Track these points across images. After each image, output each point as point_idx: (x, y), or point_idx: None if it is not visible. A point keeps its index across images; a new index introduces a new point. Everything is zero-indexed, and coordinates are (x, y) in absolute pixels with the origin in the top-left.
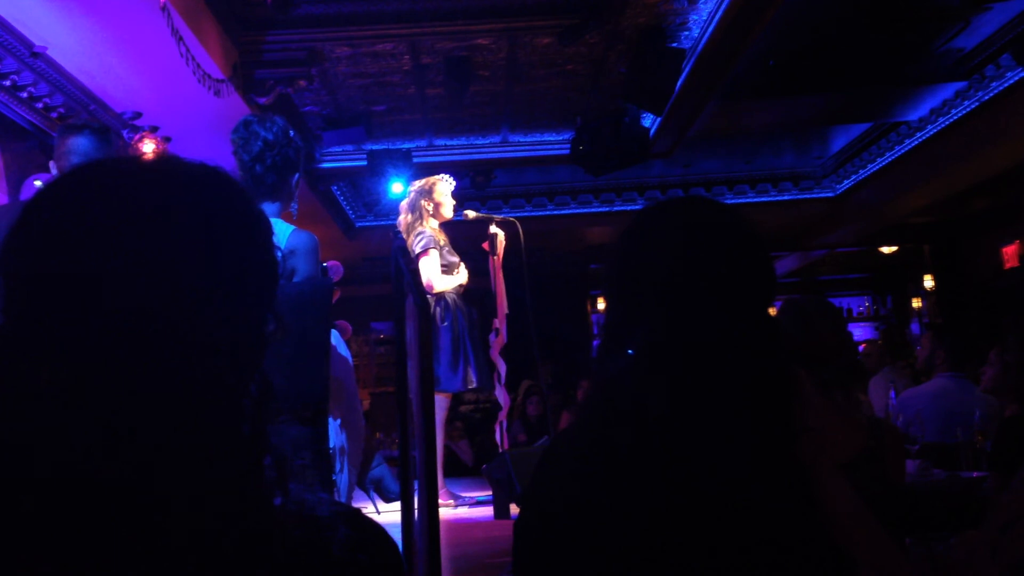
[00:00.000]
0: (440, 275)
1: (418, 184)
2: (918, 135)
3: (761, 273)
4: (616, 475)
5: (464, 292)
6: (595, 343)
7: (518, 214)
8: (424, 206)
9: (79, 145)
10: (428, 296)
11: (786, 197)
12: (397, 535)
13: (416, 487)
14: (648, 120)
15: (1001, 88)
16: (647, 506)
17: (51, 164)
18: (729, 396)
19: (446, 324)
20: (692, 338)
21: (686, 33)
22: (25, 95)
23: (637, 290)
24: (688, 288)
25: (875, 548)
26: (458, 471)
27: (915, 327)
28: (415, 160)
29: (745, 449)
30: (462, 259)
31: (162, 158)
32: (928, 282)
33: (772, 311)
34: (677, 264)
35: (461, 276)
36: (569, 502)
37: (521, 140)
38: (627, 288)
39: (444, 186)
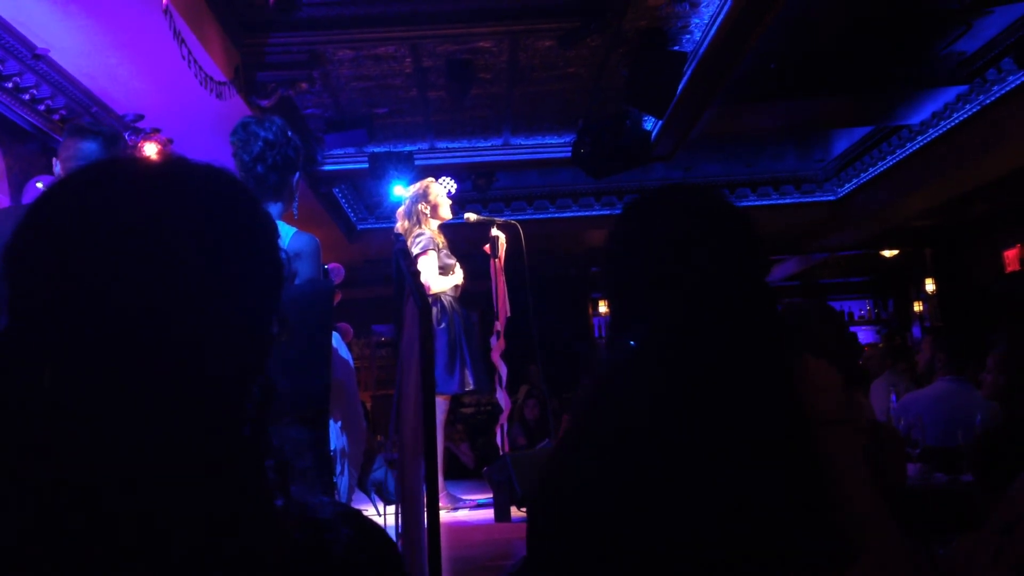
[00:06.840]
0: (437, 276)
1: (412, 189)
2: (920, 139)
3: (748, 251)
4: (618, 468)
5: (465, 295)
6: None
7: (519, 217)
8: (421, 209)
9: (88, 150)
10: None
11: (787, 200)
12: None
13: None
14: (649, 123)
15: (1003, 92)
16: (650, 498)
17: (55, 162)
18: (727, 384)
19: (443, 326)
20: (688, 328)
21: (687, 36)
22: (27, 97)
23: (632, 285)
24: (679, 279)
25: (885, 547)
26: (459, 473)
27: (916, 331)
28: (417, 162)
29: (745, 437)
30: (464, 262)
31: (167, 159)
32: (929, 286)
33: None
34: (665, 257)
35: (457, 277)
36: (579, 494)
37: (522, 143)
38: (622, 285)
39: (438, 187)
